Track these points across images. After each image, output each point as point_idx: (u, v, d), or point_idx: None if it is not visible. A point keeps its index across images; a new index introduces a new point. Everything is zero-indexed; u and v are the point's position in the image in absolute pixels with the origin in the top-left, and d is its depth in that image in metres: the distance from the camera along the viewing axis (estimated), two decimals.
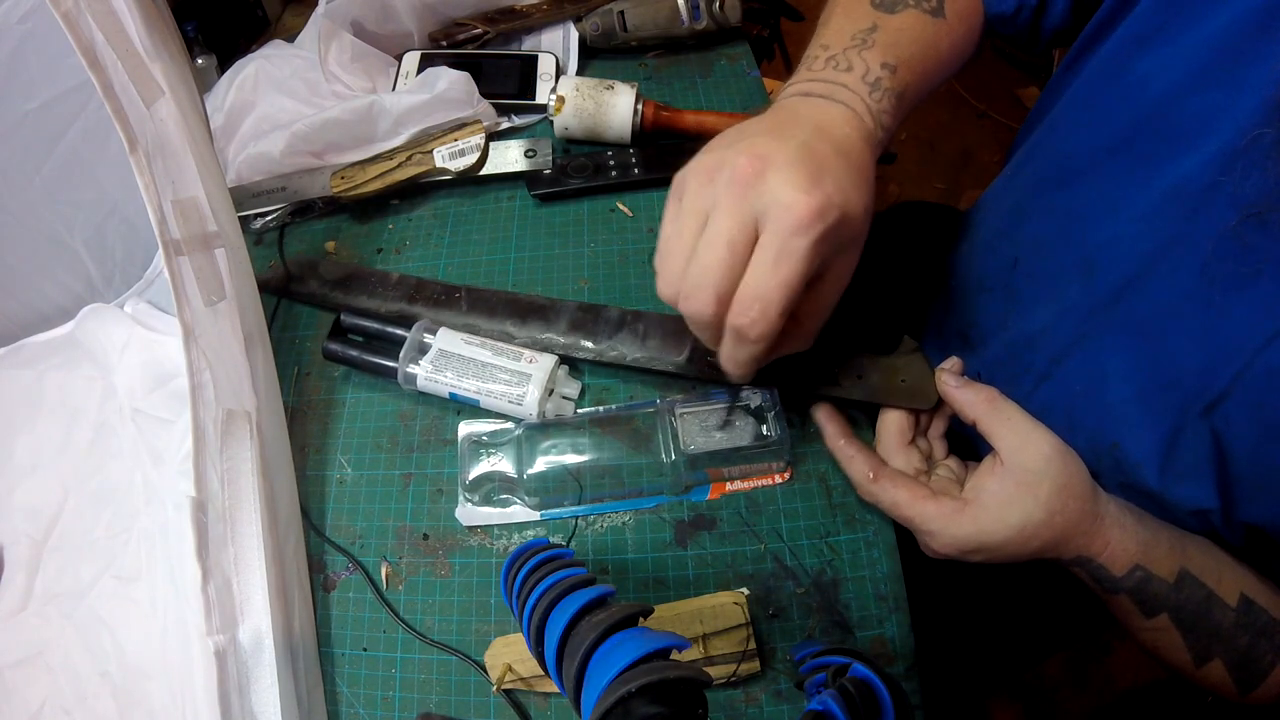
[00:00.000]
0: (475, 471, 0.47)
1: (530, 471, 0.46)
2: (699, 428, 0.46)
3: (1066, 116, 0.47)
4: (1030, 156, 0.51)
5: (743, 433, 0.46)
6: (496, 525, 0.48)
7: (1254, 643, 0.39)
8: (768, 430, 0.45)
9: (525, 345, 0.51)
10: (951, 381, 0.42)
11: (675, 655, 0.29)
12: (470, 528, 0.48)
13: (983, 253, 0.54)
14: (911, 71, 0.42)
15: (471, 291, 0.56)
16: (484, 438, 0.49)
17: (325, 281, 0.58)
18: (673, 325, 0.51)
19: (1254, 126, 0.33)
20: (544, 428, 0.48)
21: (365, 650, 0.45)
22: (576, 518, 0.48)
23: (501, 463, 0.47)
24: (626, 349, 0.50)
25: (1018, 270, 0.50)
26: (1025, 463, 0.38)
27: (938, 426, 0.46)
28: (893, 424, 0.45)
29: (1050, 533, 0.38)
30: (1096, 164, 0.43)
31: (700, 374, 0.48)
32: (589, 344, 0.51)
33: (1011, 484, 0.38)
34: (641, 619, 0.31)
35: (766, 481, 0.48)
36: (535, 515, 0.48)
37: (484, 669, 0.43)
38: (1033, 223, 0.49)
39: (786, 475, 0.48)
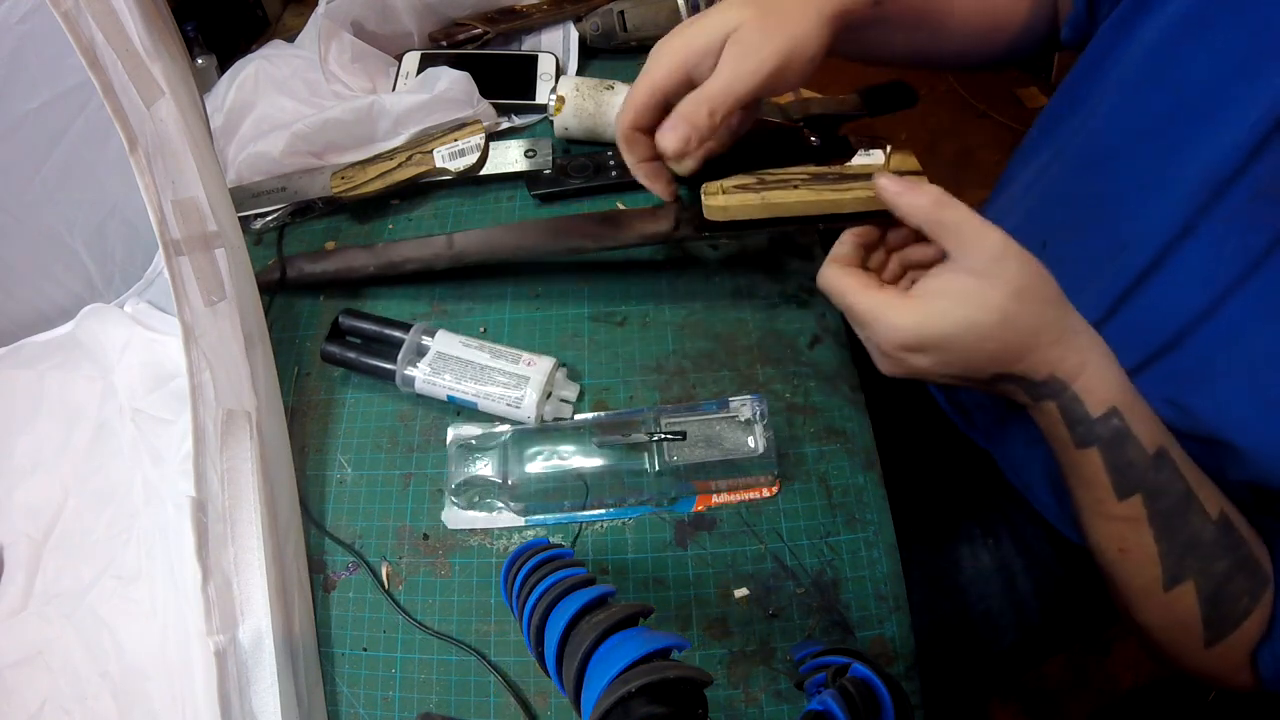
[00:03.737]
0: (461, 476, 0.47)
1: (514, 478, 0.46)
2: (685, 439, 0.45)
3: (1106, 100, 0.47)
4: (1066, 143, 0.51)
5: (729, 446, 0.45)
6: (482, 529, 0.48)
7: (1231, 574, 0.36)
8: (754, 443, 0.45)
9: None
10: (891, 186, 0.35)
11: (675, 655, 0.29)
12: (471, 528, 0.48)
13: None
14: None
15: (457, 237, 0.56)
16: (472, 441, 0.48)
17: (316, 260, 0.59)
18: (650, 213, 0.51)
19: None
20: (530, 433, 0.48)
21: (365, 650, 0.45)
22: (575, 523, 0.48)
23: (487, 467, 0.47)
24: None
25: (1047, 253, 0.50)
26: (974, 260, 0.34)
27: (911, 246, 0.41)
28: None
29: (1009, 334, 0.34)
30: (1131, 146, 0.43)
31: (685, 237, 0.49)
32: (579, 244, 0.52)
33: (960, 277, 0.34)
34: (641, 619, 0.31)
35: (754, 495, 0.47)
36: (520, 520, 0.48)
37: (489, 664, 0.43)
38: (1064, 205, 0.49)
39: (775, 489, 0.47)
